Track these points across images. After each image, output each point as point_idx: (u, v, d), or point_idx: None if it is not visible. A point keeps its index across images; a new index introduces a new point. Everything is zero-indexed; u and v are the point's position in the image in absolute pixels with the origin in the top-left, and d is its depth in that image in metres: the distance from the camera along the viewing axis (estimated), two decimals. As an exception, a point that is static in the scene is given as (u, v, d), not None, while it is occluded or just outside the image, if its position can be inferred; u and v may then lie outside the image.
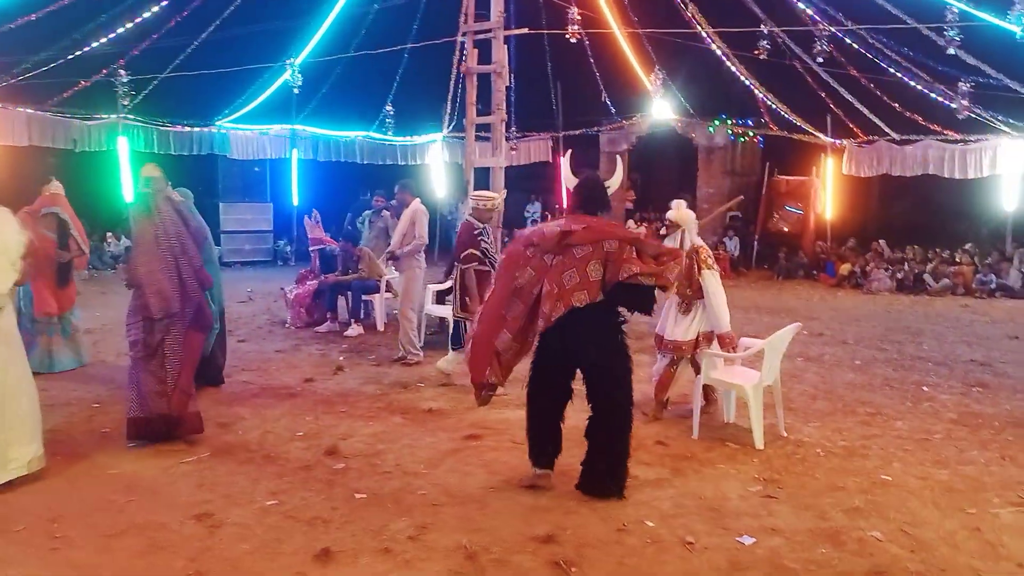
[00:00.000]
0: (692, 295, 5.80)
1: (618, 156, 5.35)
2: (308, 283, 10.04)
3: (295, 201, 16.81)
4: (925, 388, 7.03)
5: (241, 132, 16.41)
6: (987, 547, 3.87)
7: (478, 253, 6.66)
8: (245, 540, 3.86)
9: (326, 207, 12.31)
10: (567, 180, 4.90)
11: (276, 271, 15.65)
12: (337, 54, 13.99)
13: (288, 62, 13.88)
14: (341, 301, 9.71)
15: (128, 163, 14.16)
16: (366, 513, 4.18)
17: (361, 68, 14.09)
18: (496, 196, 6.92)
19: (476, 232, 6.75)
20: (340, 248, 9.88)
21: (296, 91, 14.35)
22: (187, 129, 15.73)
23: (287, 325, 9.68)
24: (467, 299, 6.66)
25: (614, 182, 4.90)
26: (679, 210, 5.94)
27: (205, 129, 15.97)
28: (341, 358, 7.98)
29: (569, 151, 5.11)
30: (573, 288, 4.27)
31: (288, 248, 17.35)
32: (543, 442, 4.59)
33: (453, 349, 6.89)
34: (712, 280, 5.65)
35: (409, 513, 4.18)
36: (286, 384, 6.93)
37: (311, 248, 10.74)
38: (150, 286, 5.16)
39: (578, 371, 4.52)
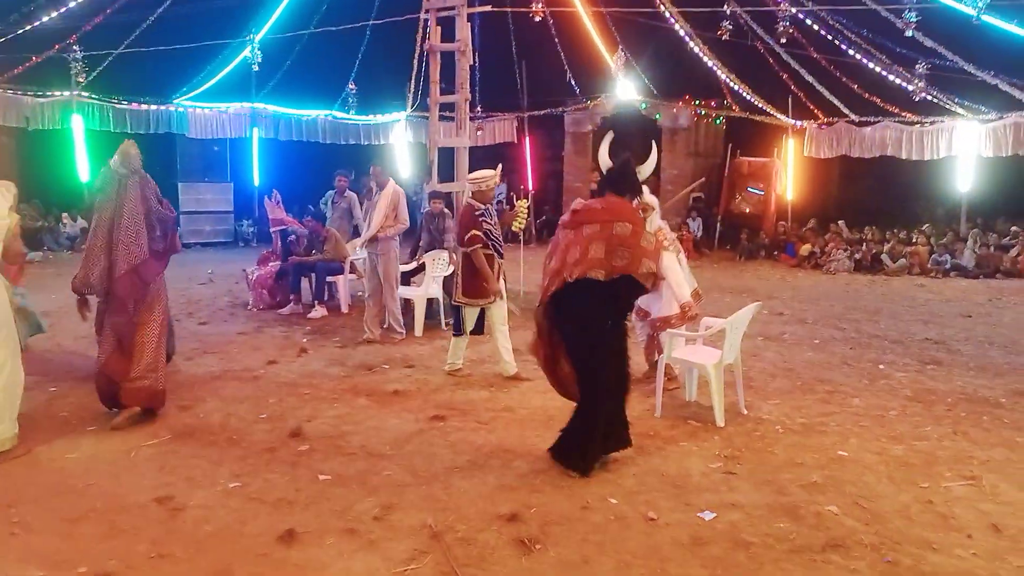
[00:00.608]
0: (659, 276, 5.87)
1: (653, 142, 5.32)
2: (270, 264, 9.92)
3: (256, 181, 16.58)
4: (881, 366, 7.19)
5: (200, 110, 16.09)
6: (939, 519, 3.99)
7: (481, 235, 6.38)
8: (208, 522, 3.83)
9: (288, 187, 12.15)
10: (603, 162, 4.86)
11: (237, 252, 15.42)
12: (298, 31, 13.77)
13: (248, 38, 13.63)
14: (304, 283, 9.62)
15: (83, 142, 13.82)
16: (331, 494, 4.17)
17: (323, 45, 13.90)
18: (493, 173, 6.61)
19: (478, 213, 6.43)
20: (308, 228, 9.75)
21: (256, 68, 14.12)
22: (144, 107, 15.39)
23: (249, 307, 9.56)
24: (484, 283, 6.39)
25: (647, 168, 4.92)
26: (647, 194, 6.03)
27: (162, 107, 15.63)
28: (305, 340, 7.92)
29: (611, 134, 5.03)
30: (572, 264, 4.33)
31: (250, 229, 17.10)
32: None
33: (455, 335, 6.68)
34: (668, 259, 5.74)
35: (374, 494, 4.18)
36: (249, 366, 6.86)
37: (273, 229, 10.60)
38: (86, 260, 5.19)
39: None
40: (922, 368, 7.14)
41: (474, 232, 6.37)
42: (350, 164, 12.10)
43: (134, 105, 15.21)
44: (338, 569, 3.41)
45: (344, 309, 9.41)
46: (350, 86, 15.81)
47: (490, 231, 6.45)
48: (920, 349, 7.91)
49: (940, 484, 4.43)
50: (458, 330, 6.63)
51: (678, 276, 5.76)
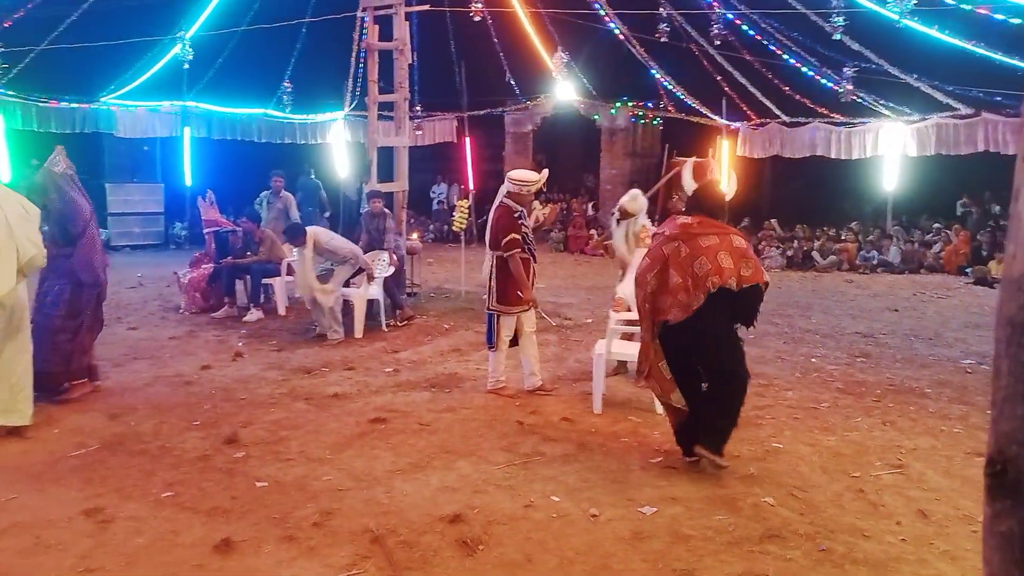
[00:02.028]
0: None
1: (732, 171, 5.51)
2: (203, 267, 9.65)
3: (188, 181, 16.11)
4: (814, 359, 7.39)
5: (128, 109, 15.58)
6: (870, 507, 4.11)
7: (520, 238, 5.90)
8: (140, 534, 3.70)
9: (222, 187, 11.85)
10: (687, 185, 4.96)
11: (169, 255, 14.98)
12: (231, 27, 13.45)
13: (178, 35, 13.25)
14: (239, 285, 9.39)
15: (4, 142, 13.24)
16: (268, 501, 4.08)
17: (257, 43, 13.60)
18: (538, 177, 6.12)
19: (516, 215, 5.98)
20: (242, 229, 9.51)
21: (187, 66, 13.72)
22: (69, 105, 14.82)
23: (181, 311, 9.29)
24: (519, 291, 5.93)
25: (730, 189, 5.03)
26: (636, 200, 6.36)
27: (89, 106, 15.07)
28: (240, 344, 7.74)
29: (693, 160, 5.19)
30: (706, 274, 4.30)
31: (182, 231, 16.64)
32: (688, 432, 4.57)
33: (491, 348, 6.17)
34: (639, 256, 5.91)
35: (314, 499, 4.10)
36: (181, 372, 6.67)
37: (206, 230, 10.31)
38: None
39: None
40: (852, 361, 7.36)
41: (513, 236, 5.88)
42: (287, 164, 11.90)
43: (59, 104, 14.63)
44: (276, 577, 3.34)
45: (281, 312, 9.22)
46: (286, 84, 15.50)
47: (527, 235, 6.04)
48: (850, 343, 8.16)
49: (870, 473, 4.57)
50: (492, 342, 6.12)
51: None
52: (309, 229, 8.08)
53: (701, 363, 4.52)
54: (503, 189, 6.07)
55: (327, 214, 11.81)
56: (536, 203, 6.53)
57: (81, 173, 6.02)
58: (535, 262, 6.19)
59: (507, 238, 5.87)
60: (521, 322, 6.10)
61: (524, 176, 6.06)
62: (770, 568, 3.43)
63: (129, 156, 16.48)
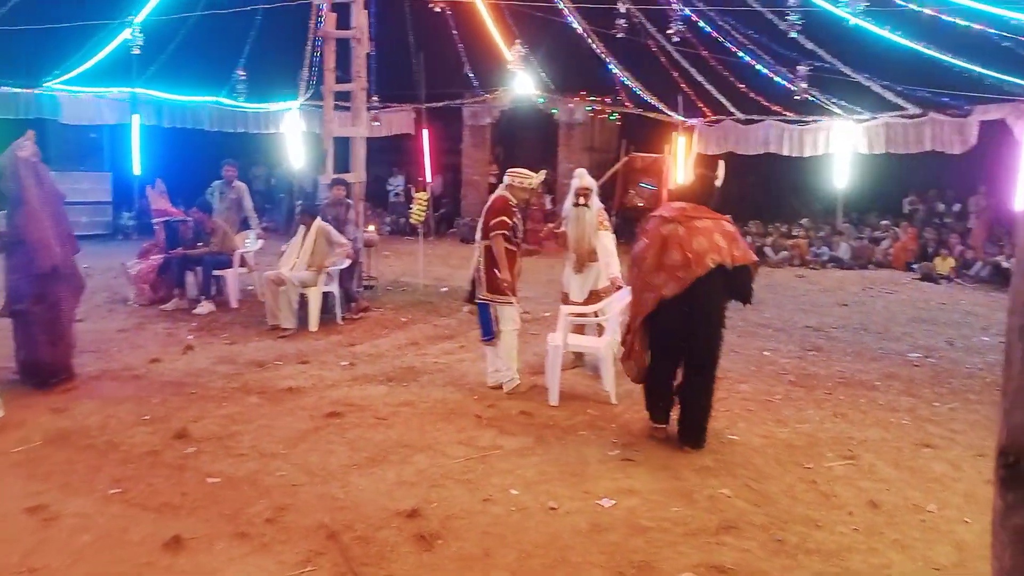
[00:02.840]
0: (588, 257, 6.35)
1: (720, 162, 5.71)
2: (152, 258, 9.39)
3: (137, 170, 15.67)
4: (766, 352, 7.51)
5: (74, 95, 15.09)
6: (822, 497, 4.19)
7: (510, 222, 5.89)
8: (86, 531, 3.59)
9: (173, 177, 11.56)
10: (686, 176, 5.22)
11: (116, 245, 14.56)
12: (183, 13, 13.10)
13: (127, 19, 12.87)
14: (190, 277, 9.17)
15: (-60, 126, 12.73)
16: (220, 497, 3.99)
17: (210, 29, 13.27)
18: (535, 176, 6.16)
19: (511, 204, 5.99)
20: (193, 219, 9.28)
21: (136, 52, 13.33)
22: (11, 90, 14.29)
23: (129, 303, 9.04)
24: (496, 271, 5.84)
25: (719, 178, 5.21)
26: (586, 175, 6.51)
27: (32, 91, 14.55)
28: (191, 337, 7.55)
29: (696, 153, 5.49)
30: (704, 252, 4.63)
31: (130, 221, 16.20)
32: (661, 400, 4.97)
33: (485, 341, 6.07)
34: (607, 238, 6.27)
35: (267, 495, 4.02)
36: (129, 365, 6.49)
37: (155, 220, 10.04)
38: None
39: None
40: (804, 354, 7.49)
41: (503, 218, 5.89)
42: (239, 154, 11.66)
43: (-1, 88, 14.11)
44: (229, 575, 3.26)
45: (233, 304, 9.02)
46: (239, 72, 15.17)
47: (517, 226, 6.01)
48: (802, 336, 8.30)
49: (822, 464, 4.65)
50: (489, 335, 5.99)
51: (612, 255, 6.22)
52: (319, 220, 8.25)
53: (689, 344, 4.80)
54: (505, 181, 6.19)
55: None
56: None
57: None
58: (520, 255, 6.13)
59: (496, 219, 5.90)
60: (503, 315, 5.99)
61: (523, 171, 6.20)
62: (727, 559, 3.46)
63: (75, 143, 15.94)
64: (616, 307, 5.88)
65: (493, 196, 6.15)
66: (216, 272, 9.04)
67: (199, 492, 4.05)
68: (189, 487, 4.10)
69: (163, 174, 11.06)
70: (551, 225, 7.52)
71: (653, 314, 4.78)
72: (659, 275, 4.72)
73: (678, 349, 4.83)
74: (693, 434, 4.82)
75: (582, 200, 6.40)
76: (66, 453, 4.54)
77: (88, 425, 5.01)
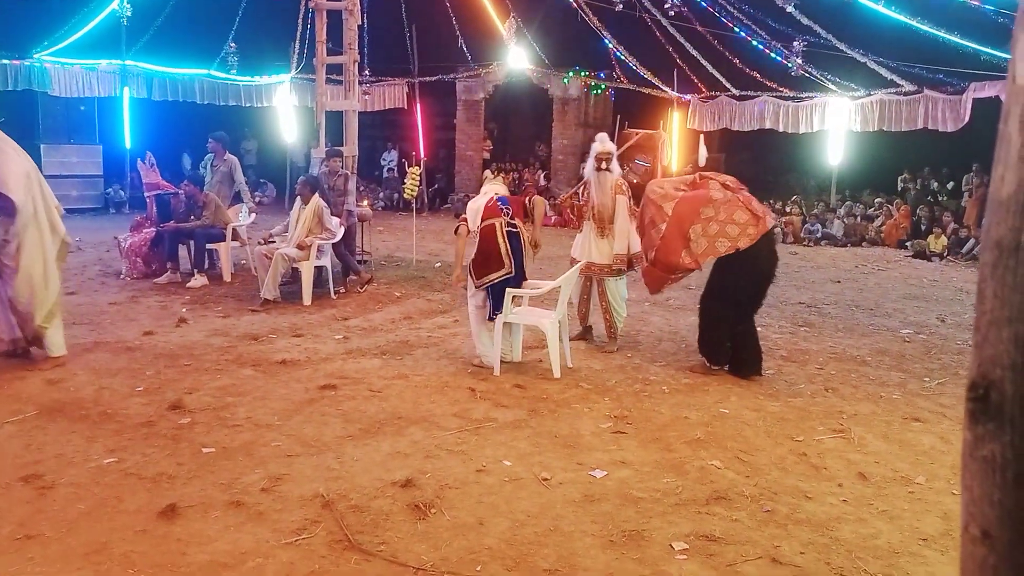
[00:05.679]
0: (610, 220, 6.48)
1: (701, 136, 5.96)
2: (144, 231, 9.36)
3: (127, 143, 15.56)
4: (759, 328, 7.49)
5: (64, 67, 14.92)
6: (812, 469, 4.23)
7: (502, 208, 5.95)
8: (81, 500, 3.61)
9: (163, 150, 11.48)
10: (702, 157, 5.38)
11: (108, 219, 14.50)
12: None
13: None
14: (182, 250, 9.14)
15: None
16: (215, 467, 4.01)
17: (200, 0, 13.14)
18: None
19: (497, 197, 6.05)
20: (184, 192, 9.22)
21: (125, 23, 13.18)
22: (0, 61, 14.12)
23: (122, 276, 9.01)
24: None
25: (702, 157, 5.49)
26: (608, 142, 6.77)
27: (20, 62, 14.38)
28: (184, 310, 7.54)
29: (702, 135, 5.86)
30: (765, 212, 5.62)
31: (121, 194, 16.10)
32: (725, 344, 5.79)
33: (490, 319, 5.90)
34: (623, 204, 6.54)
35: (262, 465, 4.05)
36: (122, 338, 6.48)
37: (147, 194, 9.98)
38: None
39: None
40: (796, 330, 7.53)
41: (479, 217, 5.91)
42: (230, 127, 11.55)
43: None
44: (224, 542, 3.29)
45: (226, 278, 9.00)
46: (230, 45, 15.03)
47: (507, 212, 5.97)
48: (794, 312, 8.34)
49: (813, 437, 4.69)
50: (498, 311, 5.80)
51: (632, 231, 6.45)
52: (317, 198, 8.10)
53: (758, 293, 5.72)
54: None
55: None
56: (487, 172, 6.52)
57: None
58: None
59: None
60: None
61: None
62: (716, 528, 3.51)
63: (65, 116, 15.80)
64: (568, 284, 5.99)
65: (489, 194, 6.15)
66: (209, 246, 9.01)
67: (194, 462, 4.06)
68: (184, 457, 4.12)
69: (153, 147, 10.98)
70: (568, 195, 7.59)
71: (723, 269, 5.62)
72: (731, 227, 5.47)
73: (753, 299, 5.71)
74: (758, 365, 5.80)
75: (604, 164, 6.55)
76: (61, 424, 4.55)
77: (82, 396, 5.02)
